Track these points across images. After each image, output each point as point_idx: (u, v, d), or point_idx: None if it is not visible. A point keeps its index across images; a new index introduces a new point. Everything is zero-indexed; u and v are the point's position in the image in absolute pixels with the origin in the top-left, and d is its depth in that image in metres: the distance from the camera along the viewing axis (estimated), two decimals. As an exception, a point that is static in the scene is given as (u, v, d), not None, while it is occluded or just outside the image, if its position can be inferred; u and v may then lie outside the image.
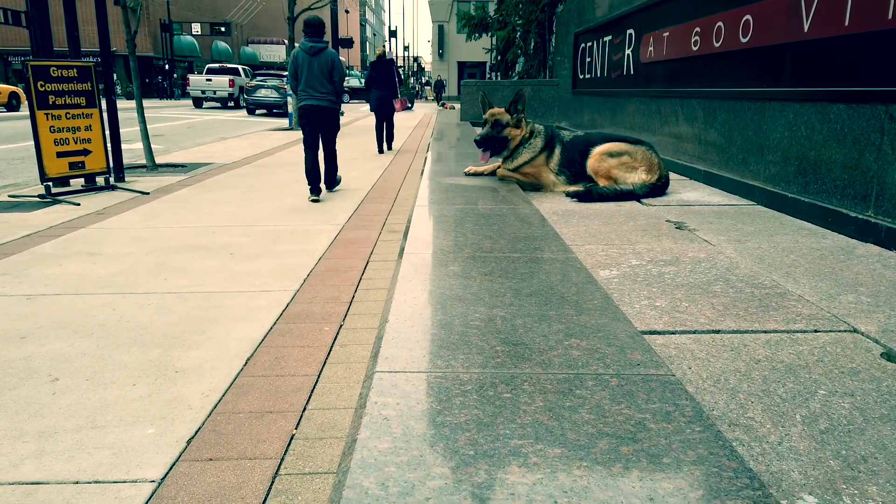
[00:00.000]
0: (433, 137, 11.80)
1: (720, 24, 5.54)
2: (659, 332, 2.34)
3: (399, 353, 2.00)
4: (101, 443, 2.01)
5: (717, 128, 5.69)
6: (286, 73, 13.33)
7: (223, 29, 42.05)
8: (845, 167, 3.94)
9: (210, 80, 27.62)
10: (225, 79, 27.60)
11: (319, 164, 6.41)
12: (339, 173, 6.93)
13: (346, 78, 24.68)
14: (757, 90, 4.97)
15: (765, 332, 2.34)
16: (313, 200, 6.25)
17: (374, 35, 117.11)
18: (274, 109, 23.00)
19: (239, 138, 14.00)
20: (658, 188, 5.26)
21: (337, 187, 6.95)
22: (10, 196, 6.47)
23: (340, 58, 6.75)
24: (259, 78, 24.65)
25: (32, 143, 6.38)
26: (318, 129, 6.46)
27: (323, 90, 6.28)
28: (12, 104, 25.39)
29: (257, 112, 23.64)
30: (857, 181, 3.85)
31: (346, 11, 57.92)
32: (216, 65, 30.34)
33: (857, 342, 2.25)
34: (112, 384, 2.40)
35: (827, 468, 1.52)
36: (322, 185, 6.51)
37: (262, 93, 23.15)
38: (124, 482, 1.81)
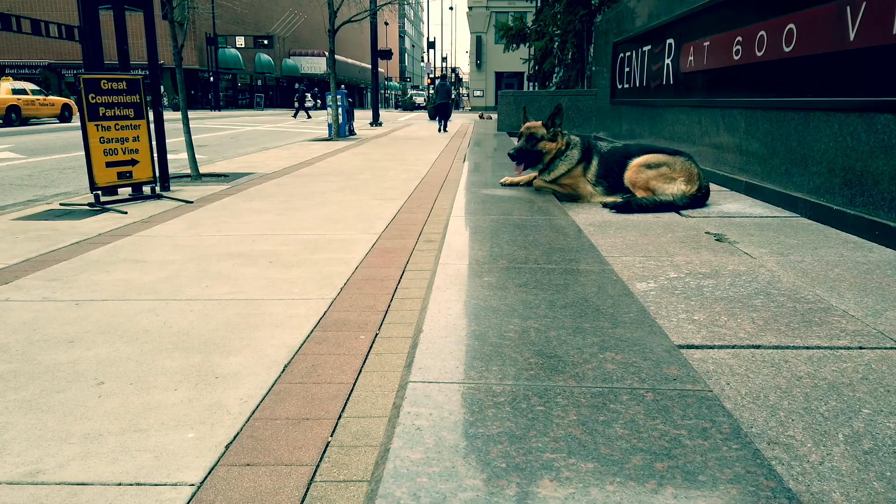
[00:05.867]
0: (469, 147, 11.85)
1: (762, 33, 5.44)
2: (696, 347, 2.30)
3: (433, 364, 2.01)
4: (144, 446, 2.06)
5: (759, 138, 5.58)
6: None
7: (266, 42, 43.03)
8: (893, 179, 3.83)
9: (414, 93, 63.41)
10: (422, 93, 59.31)
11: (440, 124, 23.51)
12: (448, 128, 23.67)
13: (408, 93, 41.98)
14: (800, 100, 4.86)
15: (807, 348, 2.28)
16: (443, 132, 20.54)
17: (413, 46, 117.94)
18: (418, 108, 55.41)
19: (280, 149, 14.25)
20: (698, 199, 5.18)
21: (448, 130, 20.07)
22: (61, 204, 6.72)
23: (450, 85, 25.31)
24: (413, 91, 66.17)
25: (83, 153, 6.62)
26: (442, 111, 22.37)
27: (447, 98, 23.03)
28: (65, 115, 26.43)
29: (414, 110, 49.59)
30: (907, 193, 3.73)
31: (386, 24, 58.65)
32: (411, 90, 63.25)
33: (904, 360, 2.18)
34: (155, 388, 2.46)
35: (871, 490, 1.48)
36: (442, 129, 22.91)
37: (416, 100, 57.90)
38: (165, 485, 1.86)
